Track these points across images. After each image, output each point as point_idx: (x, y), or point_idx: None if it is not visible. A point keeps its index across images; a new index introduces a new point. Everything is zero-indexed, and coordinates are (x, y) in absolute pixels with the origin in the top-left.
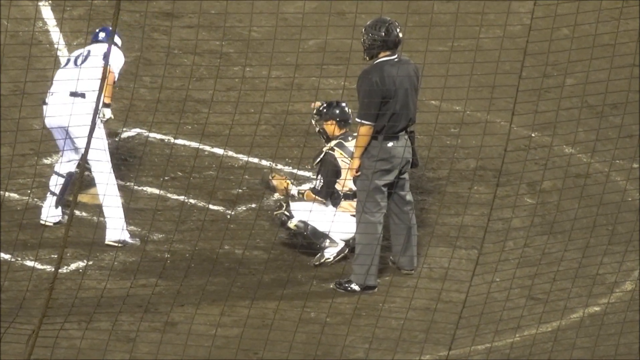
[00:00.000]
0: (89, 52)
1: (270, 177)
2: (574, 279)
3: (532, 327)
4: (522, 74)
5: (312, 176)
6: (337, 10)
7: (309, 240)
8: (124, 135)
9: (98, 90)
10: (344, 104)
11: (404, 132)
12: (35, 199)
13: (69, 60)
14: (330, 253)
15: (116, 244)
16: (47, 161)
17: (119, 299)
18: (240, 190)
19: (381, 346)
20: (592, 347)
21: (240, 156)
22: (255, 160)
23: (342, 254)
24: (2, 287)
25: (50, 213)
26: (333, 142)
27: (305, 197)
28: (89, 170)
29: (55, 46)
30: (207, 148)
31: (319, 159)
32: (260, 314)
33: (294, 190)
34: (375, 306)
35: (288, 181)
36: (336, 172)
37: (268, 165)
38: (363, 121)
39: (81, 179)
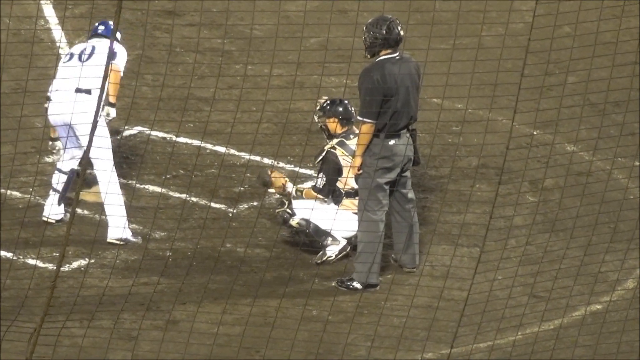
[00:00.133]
0: (93, 48)
1: (268, 173)
2: (575, 277)
3: (534, 325)
4: (524, 72)
5: (313, 174)
6: (338, 8)
7: (311, 239)
8: (126, 133)
9: (100, 89)
10: (347, 103)
11: (406, 130)
12: (37, 197)
13: (72, 56)
14: (332, 251)
15: (118, 242)
16: (49, 159)
17: (120, 297)
18: (242, 189)
19: (383, 344)
20: (594, 345)
21: (242, 154)
22: (257, 158)
23: (344, 252)
24: (3, 285)
25: (53, 210)
26: (335, 141)
27: (304, 196)
28: (92, 168)
29: (57, 44)
30: (209, 146)
31: (320, 157)
32: (262, 312)
33: (290, 187)
34: (377, 304)
35: (286, 179)
36: (338, 171)
37: (270, 163)
38: (365, 119)
39: (83, 177)
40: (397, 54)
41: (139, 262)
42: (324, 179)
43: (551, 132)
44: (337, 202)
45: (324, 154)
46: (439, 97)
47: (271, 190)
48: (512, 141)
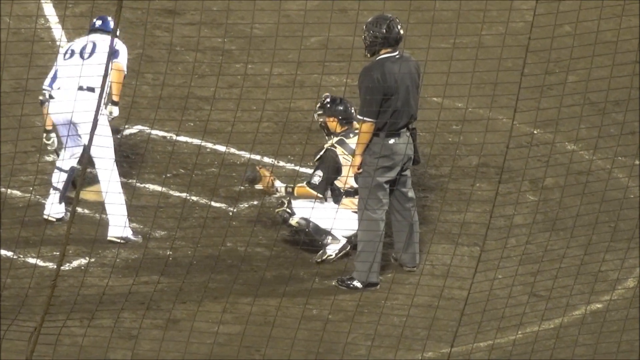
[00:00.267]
0: (94, 45)
1: (257, 169)
2: (576, 276)
3: (534, 324)
4: (524, 71)
5: None
6: (339, 7)
7: (311, 238)
8: (126, 132)
9: (101, 87)
10: (347, 103)
11: (406, 129)
12: (38, 196)
13: (72, 53)
14: (332, 250)
15: (118, 240)
16: (49, 158)
17: (121, 296)
18: (242, 188)
19: (383, 343)
20: (594, 344)
21: (242, 153)
22: (257, 157)
23: (344, 251)
24: (4, 284)
25: (54, 209)
26: (334, 139)
27: (296, 193)
28: (92, 166)
29: (57, 43)
30: (209, 145)
31: (319, 155)
32: (262, 311)
33: (279, 184)
34: (378, 303)
35: (273, 176)
36: (337, 169)
37: (270, 162)
38: (364, 118)
39: (84, 176)
40: (397, 52)
41: (139, 261)
42: (320, 176)
43: (551, 131)
44: (337, 201)
45: (323, 152)
46: (439, 96)
47: (258, 186)
48: (512, 140)
